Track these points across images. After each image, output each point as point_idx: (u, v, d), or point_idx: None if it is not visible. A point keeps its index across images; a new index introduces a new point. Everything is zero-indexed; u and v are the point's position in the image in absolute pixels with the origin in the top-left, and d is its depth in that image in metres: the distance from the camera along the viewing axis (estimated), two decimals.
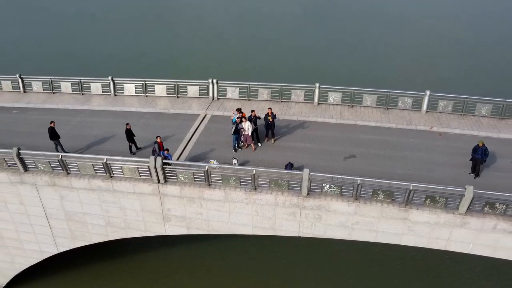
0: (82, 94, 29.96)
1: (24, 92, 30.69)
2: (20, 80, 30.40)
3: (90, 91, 29.93)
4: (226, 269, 28.06)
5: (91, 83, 29.85)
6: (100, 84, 29.75)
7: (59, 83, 30.30)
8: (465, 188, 17.42)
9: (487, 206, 17.56)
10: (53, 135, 22.72)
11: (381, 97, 26.68)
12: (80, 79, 29.97)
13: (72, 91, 30.16)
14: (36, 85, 30.62)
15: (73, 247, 24.40)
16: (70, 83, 30.19)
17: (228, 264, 28.44)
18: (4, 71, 34.68)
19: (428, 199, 18.03)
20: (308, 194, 19.15)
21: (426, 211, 18.25)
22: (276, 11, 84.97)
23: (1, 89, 31.00)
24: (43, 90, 30.52)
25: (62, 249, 24.56)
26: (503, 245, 18.43)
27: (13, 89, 30.87)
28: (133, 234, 22.94)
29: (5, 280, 27.18)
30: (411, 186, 17.88)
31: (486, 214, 17.88)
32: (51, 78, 30.35)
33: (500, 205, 17.44)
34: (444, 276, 27.29)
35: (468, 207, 17.81)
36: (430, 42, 65.69)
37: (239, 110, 23.82)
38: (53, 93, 30.38)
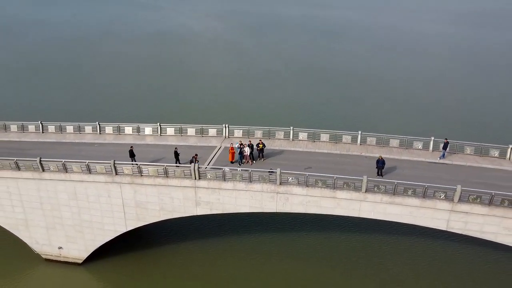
0: (139, 134, 45.59)
1: (100, 133, 46.32)
2: (98, 125, 46.19)
3: (144, 132, 45.56)
4: (226, 250, 42.16)
5: (145, 127, 45.61)
6: (151, 128, 45.50)
7: (124, 127, 46.09)
8: (363, 177, 32.30)
9: (375, 187, 32.32)
10: (132, 154, 38.09)
11: (332, 135, 42.17)
12: (138, 125, 45.82)
13: (132, 132, 45.82)
14: (108, 129, 46.35)
15: (136, 226, 38.73)
16: (131, 127, 45.99)
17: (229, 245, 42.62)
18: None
19: (345, 184, 32.83)
20: (280, 183, 33.97)
21: (345, 191, 32.96)
22: (265, 70, 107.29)
23: (85, 131, 46.67)
24: (113, 132, 46.19)
25: (130, 227, 38.83)
26: (389, 211, 32.91)
27: (92, 131, 46.52)
28: (176, 215, 37.45)
29: (86, 254, 41.03)
30: (335, 177, 32.78)
31: (376, 192, 32.54)
32: (118, 124, 46.22)
33: (382, 186, 32.21)
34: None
35: (366, 189, 32.52)
36: (369, 93, 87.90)
37: (242, 143, 39.08)
38: (119, 134, 46.04)
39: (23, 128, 47.43)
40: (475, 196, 30.84)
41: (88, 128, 46.65)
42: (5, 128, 47.55)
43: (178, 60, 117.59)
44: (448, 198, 31.39)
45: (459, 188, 30.73)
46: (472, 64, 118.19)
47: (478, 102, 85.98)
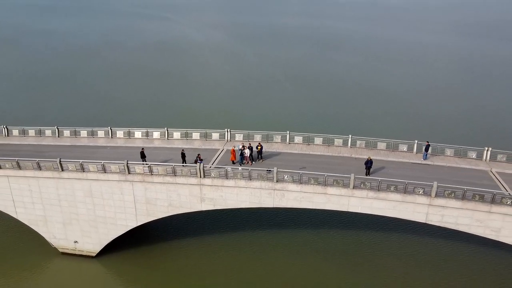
0: (148, 138, 49.50)
1: (111, 137, 50.23)
2: (110, 130, 50.10)
3: (153, 136, 49.48)
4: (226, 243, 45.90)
5: (153, 132, 49.54)
6: (159, 132, 49.43)
7: (134, 132, 50.01)
8: (350, 175, 36.11)
9: (362, 184, 36.12)
10: (143, 155, 41.98)
11: (325, 139, 46.08)
12: (147, 130, 49.76)
13: (141, 136, 49.72)
14: (119, 133, 50.26)
15: (146, 221, 42.44)
16: (140, 132, 49.91)
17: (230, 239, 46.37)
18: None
19: (335, 181, 36.63)
20: (277, 181, 37.77)
21: (334, 187, 36.75)
22: (264, 78, 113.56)
23: (97, 136, 50.56)
24: (123, 136, 50.11)
25: (140, 222, 42.53)
26: (375, 206, 36.64)
27: (104, 135, 50.40)
28: (183, 210, 41.16)
29: (99, 248, 44.67)
30: (325, 175, 36.60)
31: (362, 188, 36.32)
32: (129, 129, 50.15)
33: (368, 182, 36.01)
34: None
35: (354, 185, 36.30)
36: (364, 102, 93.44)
37: (243, 145, 43.07)
38: (129, 138, 49.94)
39: (40, 133, 51.33)
40: (450, 192, 34.61)
41: (100, 133, 50.49)
42: (24, 133, 51.49)
43: (183, 69, 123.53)
44: (426, 194, 35.15)
45: (435, 184, 34.52)
46: (460, 72, 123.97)
47: (460, 108, 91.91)
